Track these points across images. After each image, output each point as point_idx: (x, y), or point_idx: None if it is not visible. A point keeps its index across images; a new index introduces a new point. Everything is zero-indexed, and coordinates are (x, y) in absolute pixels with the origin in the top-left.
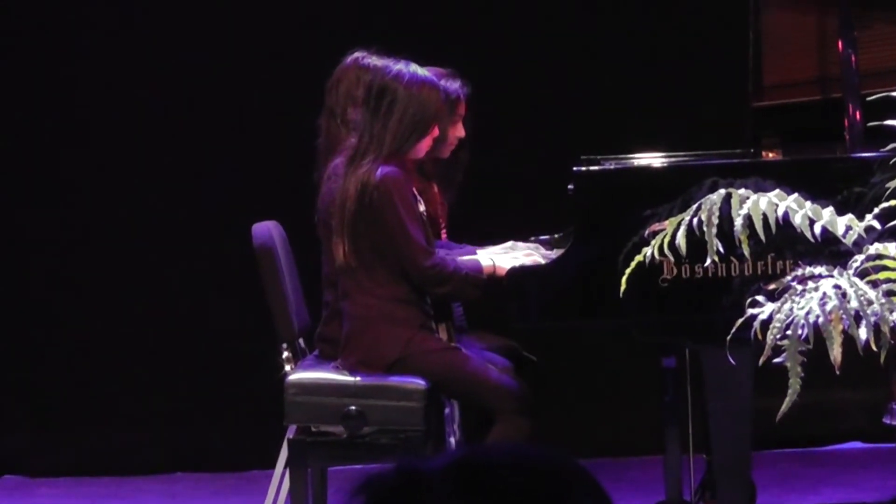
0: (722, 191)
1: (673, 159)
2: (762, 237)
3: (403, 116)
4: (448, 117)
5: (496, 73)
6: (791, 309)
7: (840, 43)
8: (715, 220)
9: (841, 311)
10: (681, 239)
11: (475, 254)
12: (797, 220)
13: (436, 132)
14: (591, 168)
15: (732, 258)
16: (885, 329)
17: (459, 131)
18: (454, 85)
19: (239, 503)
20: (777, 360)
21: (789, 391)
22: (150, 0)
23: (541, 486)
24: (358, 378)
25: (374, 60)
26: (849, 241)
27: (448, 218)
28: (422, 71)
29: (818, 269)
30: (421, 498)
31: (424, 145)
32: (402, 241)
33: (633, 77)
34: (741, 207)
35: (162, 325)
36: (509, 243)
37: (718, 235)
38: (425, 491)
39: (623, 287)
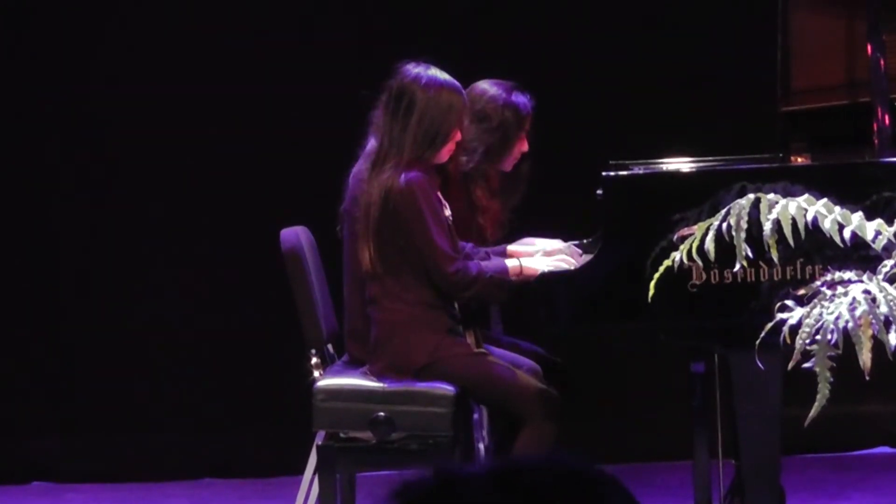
0: (751, 195)
1: (701, 164)
2: (791, 242)
3: (422, 119)
4: (517, 131)
5: (525, 77)
6: (820, 314)
7: (869, 47)
8: (744, 225)
9: (870, 316)
10: (710, 244)
11: (505, 253)
12: (826, 224)
13: (458, 136)
14: (620, 173)
15: (761, 263)
16: None
17: (524, 146)
18: (523, 99)
19: None
20: (806, 365)
21: (818, 396)
22: (183, 2)
23: (575, 492)
24: (386, 384)
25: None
26: (878, 245)
27: (502, 229)
28: (442, 75)
29: (847, 274)
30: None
31: (447, 150)
32: (425, 247)
33: (662, 82)
34: (770, 212)
35: (191, 331)
36: (556, 242)
37: (747, 240)
38: (462, 497)
39: (651, 292)
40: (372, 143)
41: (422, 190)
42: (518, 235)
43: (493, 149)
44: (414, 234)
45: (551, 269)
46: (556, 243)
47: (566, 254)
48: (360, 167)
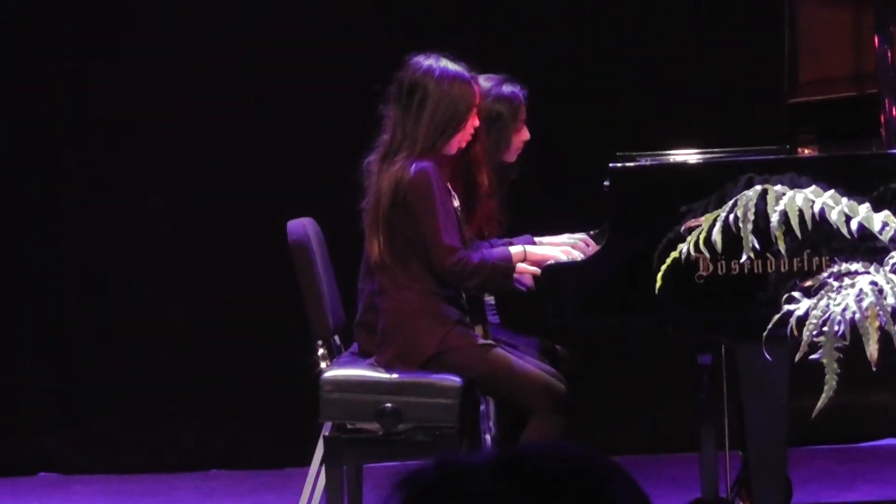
0: (758, 187)
1: (709, 156)
2: (798, 234)
3: (435, 112)
4: (513, 123)
5: (532, 69)
6: (827, 305)
7: (876, 39)
8: (751, 217)
9: (877, 308)
10: (717, 235)
11: (533, 243)
12: (833, 216)
13: (470, 127)
14: (627, 164)
15: (768, 255)
16: None
17: (525, 135)
18: (514, 89)
19: (274, 500)
20: (813, 356)
21: (826, 387)
22: None
23: (581, 479)
24: (393, 375)
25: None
26: (885, 237)
27: (499, 226)
28: (453, 66)
29: (854, 266)
30: (462, 493)
31: (458, 141)
32: (428, 238)
33: (669, 74)
34: (777, 204)
35: (197, 323)
36: (564, 236)
37: (754, 232)
38: (466, 486)
39: (658, 284)
40: (386, 137)
41: (430, 180)
42: (523, 232)
43: (492, 143)
44: (420, 224)
45: (558, 257)
46: (563, 239)
47: (569, 245)
48: (374, 159)
